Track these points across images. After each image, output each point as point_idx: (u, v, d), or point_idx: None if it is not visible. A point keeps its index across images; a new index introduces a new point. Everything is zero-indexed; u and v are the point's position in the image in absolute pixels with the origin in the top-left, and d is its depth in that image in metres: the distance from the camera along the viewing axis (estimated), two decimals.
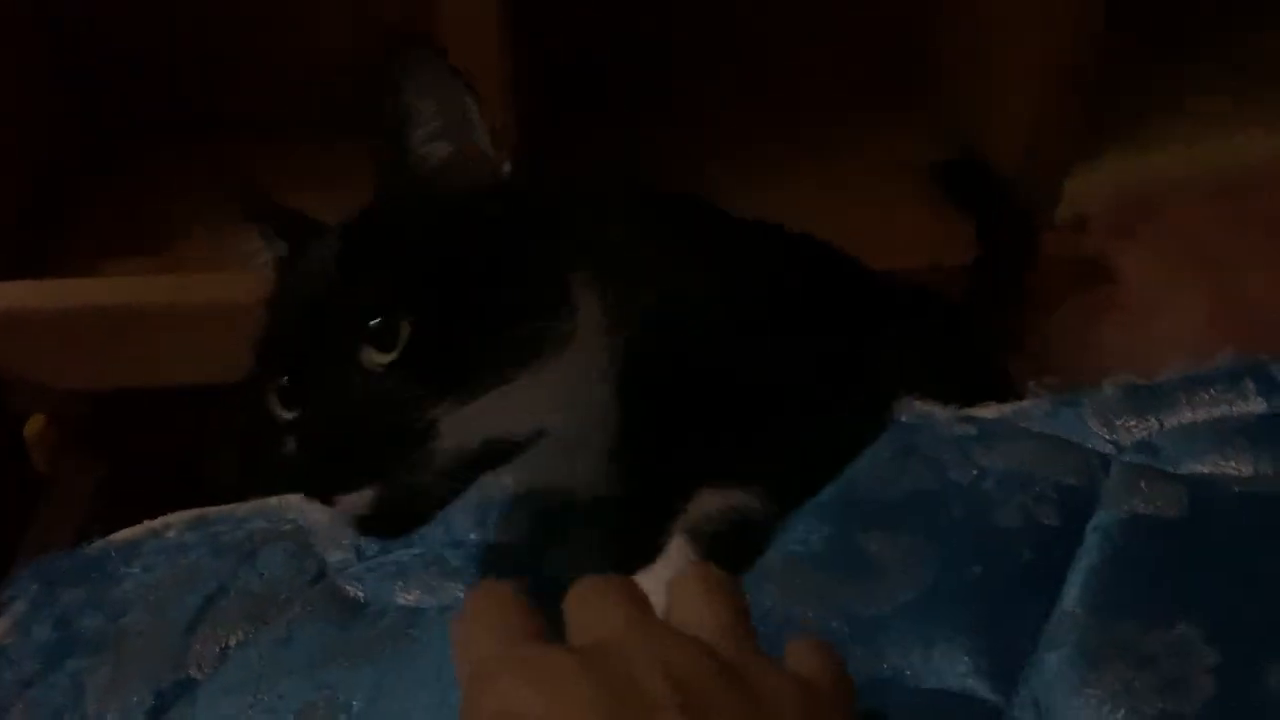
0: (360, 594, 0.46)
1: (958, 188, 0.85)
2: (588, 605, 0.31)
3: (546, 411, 0.42)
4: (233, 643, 0.45)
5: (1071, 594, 0.38)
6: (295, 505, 0.53)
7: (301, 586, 0.47)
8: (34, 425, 0.84)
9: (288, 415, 0.41)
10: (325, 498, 0.39)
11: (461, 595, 0.45)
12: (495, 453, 0.41)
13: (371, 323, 0.39)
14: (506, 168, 0.44)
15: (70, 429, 0.84)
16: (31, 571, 0.51)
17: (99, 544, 0.53)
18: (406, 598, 0.45)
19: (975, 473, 0.43)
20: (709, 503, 0.45)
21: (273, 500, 0.54)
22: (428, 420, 0.39)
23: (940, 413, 0.48)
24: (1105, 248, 0.81)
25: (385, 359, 0.39)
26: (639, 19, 0.92)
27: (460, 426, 0.39)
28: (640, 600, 0.31)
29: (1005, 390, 0.53)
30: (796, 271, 0.57)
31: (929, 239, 0.81)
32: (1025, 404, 0.49)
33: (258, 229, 0.48)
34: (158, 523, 0.54)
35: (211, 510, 0.54)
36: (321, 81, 0.89)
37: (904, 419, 0.48)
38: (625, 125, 0.91)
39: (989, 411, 0.49)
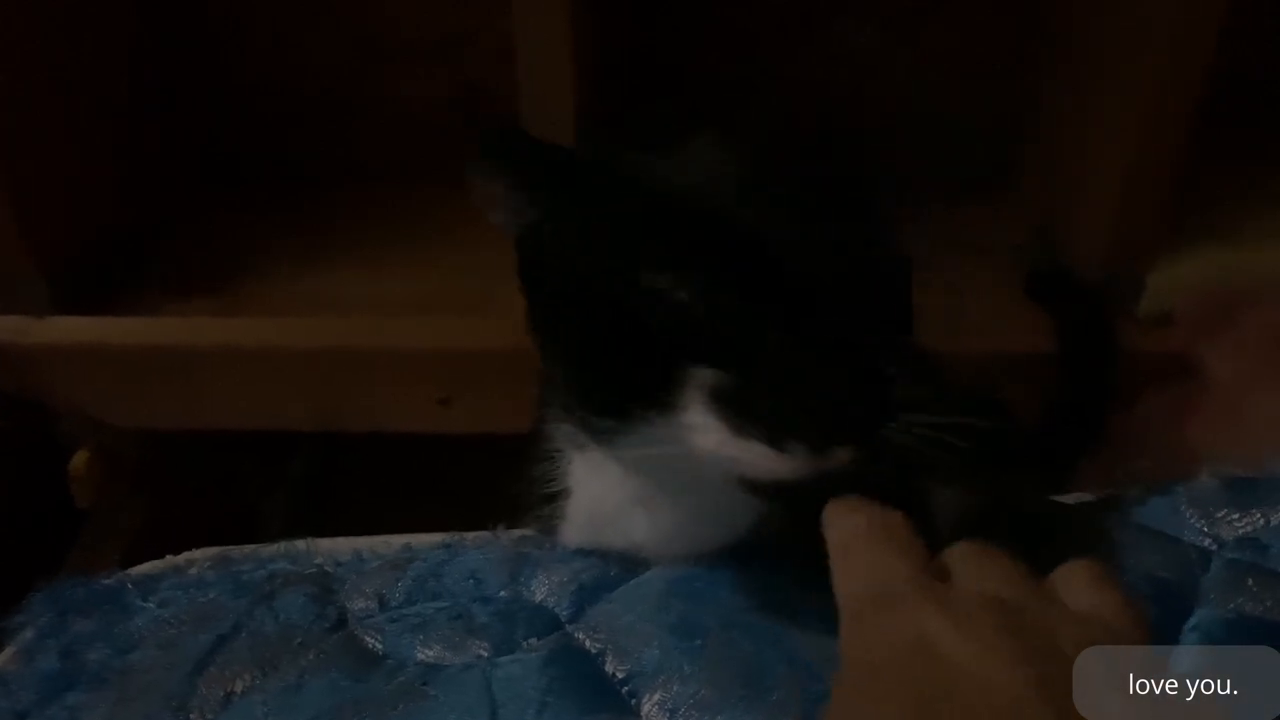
0: (379, 646, 0.43)
1: (1038, 288, 0.82)
2: (975, 564, 0.30)
3: None
4: (239, 688, 0.42)
5: None
6: (325, 548, 0.51)
7: (319, 634, 0.44)
8: (78, 460, 0.83)
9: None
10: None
11: (484, 654, 0.41)
12: None
13: None
14: None
15: (115, 465, 0.83)
16: (44, 599, 0.48)
17: (117, 575, 0.50)
18: (426, 653, 0.42)
19: None
20: None
21: (300, 542, 0.51)
22: None
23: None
24: (1191, 344, 0.77)
25: None
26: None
27: None
28: (1034, 573, 0.30)
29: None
30: None
31: (1003, 324, 0.78)
32: (1113, 492, 0.45)
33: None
34: (181, 558, 0.52)
35: (236, 549, 0.52)
36: (403, 131, 0.90)
37: None
38: None
39: (1070, 497, 0.45)
